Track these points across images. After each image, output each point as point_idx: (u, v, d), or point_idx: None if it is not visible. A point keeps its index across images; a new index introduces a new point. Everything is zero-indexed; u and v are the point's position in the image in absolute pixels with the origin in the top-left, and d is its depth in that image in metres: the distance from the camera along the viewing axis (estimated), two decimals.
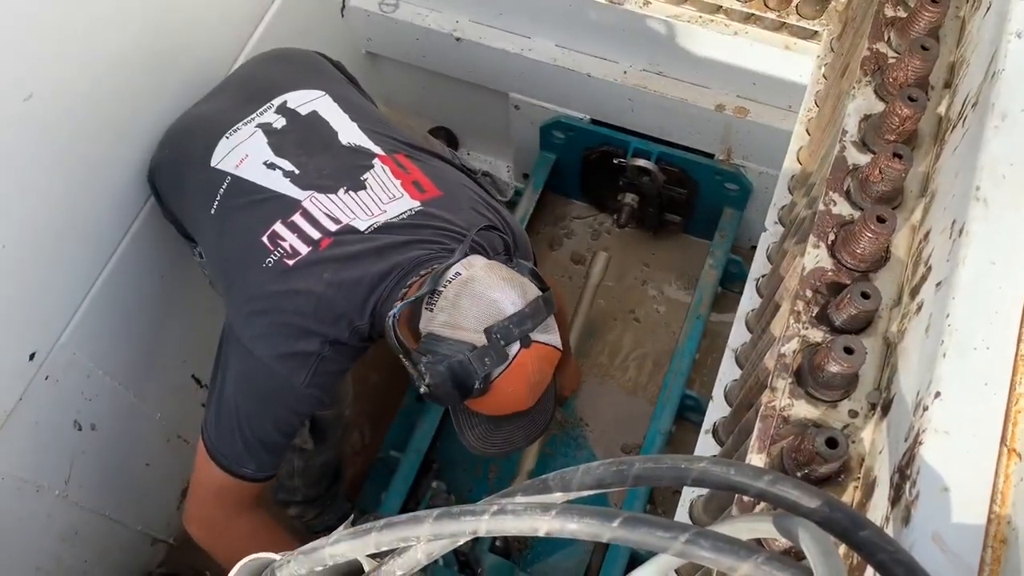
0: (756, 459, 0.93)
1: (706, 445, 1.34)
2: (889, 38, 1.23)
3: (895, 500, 0.78)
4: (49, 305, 1.66)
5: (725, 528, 0.69)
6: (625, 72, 2.31)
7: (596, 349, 2.50)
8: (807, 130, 1.60)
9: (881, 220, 0.98)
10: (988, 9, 1.12)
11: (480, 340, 1.32)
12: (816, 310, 1.01)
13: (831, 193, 1.10)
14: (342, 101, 1.70)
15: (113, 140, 1.70)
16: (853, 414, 0.94)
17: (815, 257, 1.05)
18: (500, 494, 0.71)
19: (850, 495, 0.90)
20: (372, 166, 1.59)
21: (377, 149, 1.62)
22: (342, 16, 2.44)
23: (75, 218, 1.66)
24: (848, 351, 0.91)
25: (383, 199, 1.55)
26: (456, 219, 1.56)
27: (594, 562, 2.09)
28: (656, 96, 2.28)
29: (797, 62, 2.07)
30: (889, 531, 0.77)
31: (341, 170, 1.58)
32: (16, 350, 1.61)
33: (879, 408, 0.93)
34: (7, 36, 1.41)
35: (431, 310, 1.37)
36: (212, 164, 1.61)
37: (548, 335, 1.38)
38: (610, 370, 2.48)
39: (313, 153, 1.60)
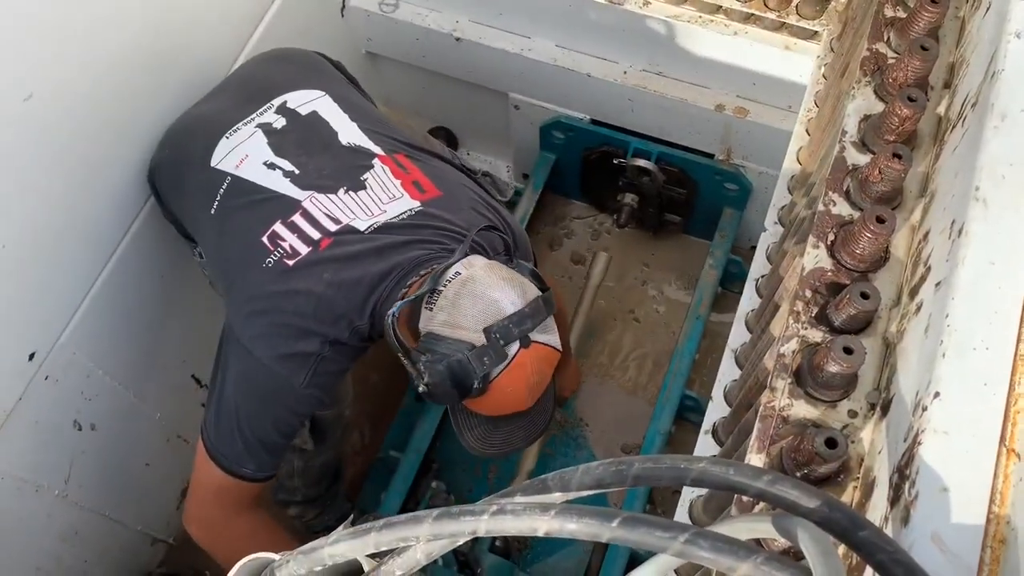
0: (755, 459, 0.93)
1: (706, 445, 1.34)
2: (889, 38, 1.23)
3: (894, 500, 0.78)
4: (49, 305, 1.66)
5: (724, 528, 0.69)
6: (625, 72, 2.31)
7: (596, 349, 2.50)
8: (807, 130, 1.61)
9: (880, 220, 0.98)
10: (988, 9, 1.12)
11: (479, 339, 1.32)
12: (815, 310, 1.01)
13: (831, 193, 1.10)
14: (342, 101, 1.70)
15: (113, 140, 1.70)
16: (852, 414, 0.94)
17: (815, 257, 1.05)
18: (499, 494, 0.71)
19: (849, 495, 0.90)
20: (372, 166, 1.59)
21: (377, 149, 1.62)
22: (342, 16, 2.44)
23: (75, 218, 1.66)
24: (847, 351, 0.91)
25: (383, 199, 1.55)
26: (456, 219, 1.56)
27: (594, 562, 2.09)
28: (656, 96, 2.28)
29: (797, 62, 2.08)
30: (888, 531, 0.77)
31: (341, 170, 1.58)
32: (16, 350, 1.61)
33: (878, 408, 0.93)
34: (7, 36, 1.41)
35: (431, 309, 1.37)
36: (212, 164, 1.61)
37: (548, 335, 1.38)
38: (610, 370, 2.48)
39: (313, 153, 1.60)
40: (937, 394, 0.78)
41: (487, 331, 1.32)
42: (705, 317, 2.30)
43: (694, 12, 2.14)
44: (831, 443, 0.86)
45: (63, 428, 1.78)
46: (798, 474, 0.89)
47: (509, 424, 1.43)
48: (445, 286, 1.36)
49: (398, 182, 1.58)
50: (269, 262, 1.49)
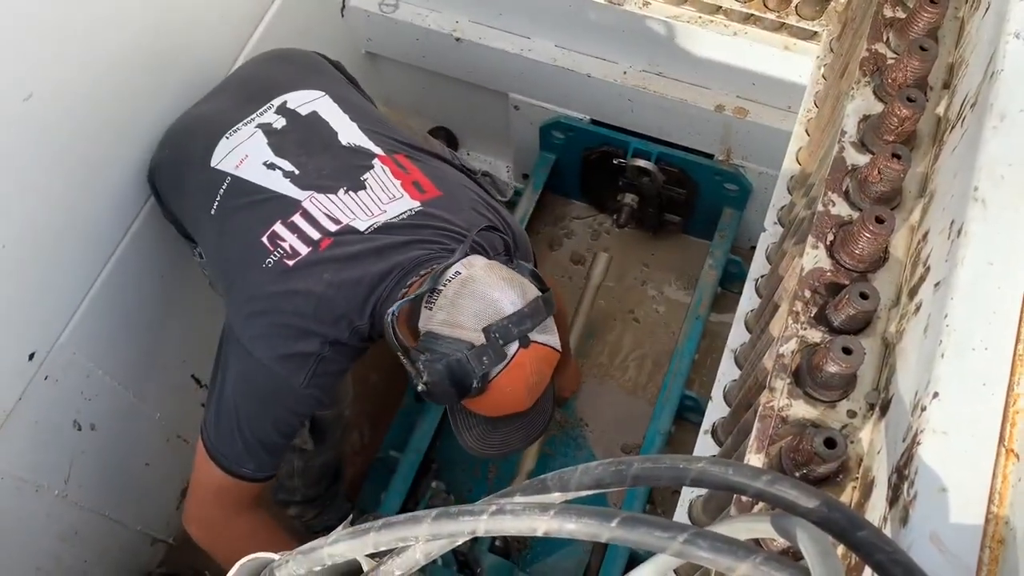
0: (755, 459, 0.93)
1: (705, 445, 1.34)
2: (888, 39, 1.24)
3: (893, 500, 0.78)
4: (49, 305, 1.66)
5: (723, 528, 0.69)
6: (625, 72, 2.31)
7: (596, 349, 2.50)
8: (806, 131, 1.61)
9: (880, 220, 0.98)
10: (987, 10, 1.12)
11: (479, 339, 1.32)
12: (815, 310, 1.01)
13: (830, 193, 1.10)
14: (342, 101, 1.70)
15: (113, 140, 1.70)
16: (851, 414, 0.94)
17: (814, 257, 1.05)
18: (499, 494, 0.71)
19: (848, 495, 0.90)
20: (372, 166, 1.59)
21: (377, 149, 1.62)
22: (342, 16, 2.44)
23: (75, 218, 1.66)
24: (847, 351, 0.91)
25: (383, 199, 1.55)
26: (456, 219, 1.56)
27: (593, 562, 2.09)
28: (656, 96, 2.28)
29: (796, 63, 2.08)
30: (887, 531, 0.77)
31: (341, 170, 1.58)
32: (16, 350, 1.61)
33: (877, 408, 0.93)
34: (7, 36, 1.41)
35: (430, 308, 1.37)
36: (212, 164, 1.61)
37: (547, 336, 1.38)
38: (610, 370, 2.48)
39: (313, 153, 1.60)
40: (936, 394, 0.78)
41: (486, 331, 1.32)
42: (705, 317, 2.30)
43: (694, 12, 2.14)
44: (830, 443, 0.86)
45: (63, 428, 1.78)
46: (797, 474, 0.89)
47: (508, 424, 1.44)
48: (445, 285, 1.36)
49: (398, 182, 1.58)
50: (269, 262, 1.49)
